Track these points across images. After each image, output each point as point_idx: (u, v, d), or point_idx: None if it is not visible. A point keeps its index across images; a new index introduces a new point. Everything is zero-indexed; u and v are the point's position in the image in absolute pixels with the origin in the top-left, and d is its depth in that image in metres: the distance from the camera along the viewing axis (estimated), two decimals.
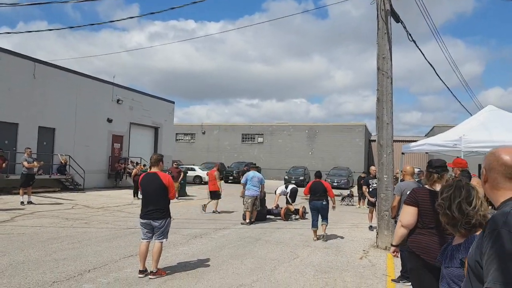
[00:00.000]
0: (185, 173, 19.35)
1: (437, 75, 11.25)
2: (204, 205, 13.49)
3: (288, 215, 12.12)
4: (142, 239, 5.83)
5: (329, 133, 37.83)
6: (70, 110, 20.44)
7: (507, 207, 1.58)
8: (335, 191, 14.32)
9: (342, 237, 9.52)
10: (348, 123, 39.24)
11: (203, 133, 42.02)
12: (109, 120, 22.97)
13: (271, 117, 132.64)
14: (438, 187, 3.77)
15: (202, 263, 6.54)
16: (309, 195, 9.26)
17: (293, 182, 23.48)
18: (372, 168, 11.75)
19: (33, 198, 13.84)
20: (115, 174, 22.63)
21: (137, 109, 25.19)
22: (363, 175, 15.66)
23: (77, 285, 5.11)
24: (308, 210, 13.25)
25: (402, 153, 10.93)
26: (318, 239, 9.02)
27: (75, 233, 8.65)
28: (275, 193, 13.43)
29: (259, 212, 11.51)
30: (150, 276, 5.59)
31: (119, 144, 23.88)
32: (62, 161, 19.20)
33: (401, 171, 6.74)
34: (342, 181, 28.60)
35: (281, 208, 12.33)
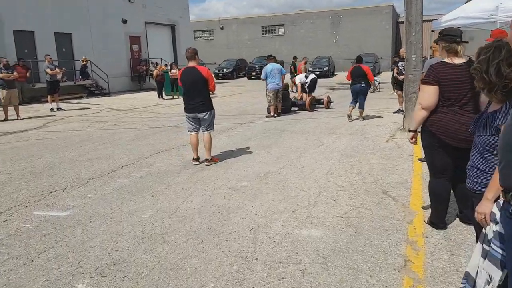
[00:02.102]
0: None
1: None
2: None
3: (313, 105, 11.97)
4: (190, 131, 6.07)
5: (354, 17, 35.33)
6: (82, 13, 19.76)
7: None
8: None
9: (367, 123, 9.41)
10: (374, 5, 36.28)
11: (221, 28, 40.29)
12: (124, 21, 22.18)
13: (293, 6, 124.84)
14: (456, 60, 3.35)
15: (229, 154, 6.68)
16: (350, 80, 9.88)
17: (317, 73, 22.80)
18: (401, 50, 11.15)
19: (62, 105, 14.19)
20: (138, 77, 22.64)
21: (151, 7, 24.01)
22: (396, 59, 14.90)
23: (111, 181, 5.37)
24: (333, 99, 13.13)
25: (432, 31, 10.02)
26: (350, 118, 9.77)
27: (105, 135, 8.92)
28: (294, 82, 13.22)
29: (283, 105, 11.38)
30: (206, 163, 5.99)
31: (137, 46, 23.40)
32: (82, 61, 19.10)
33: (431, 48, 6.20)
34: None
35: (305, 99, 12.15)
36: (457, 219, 3.81)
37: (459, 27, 9.00)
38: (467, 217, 3.66)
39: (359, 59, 10.05)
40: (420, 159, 5.94)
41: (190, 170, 5.75)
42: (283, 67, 11.56)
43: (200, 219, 3.94)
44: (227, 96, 18.34)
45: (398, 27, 38.05)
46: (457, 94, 3.28)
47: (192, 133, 6.09)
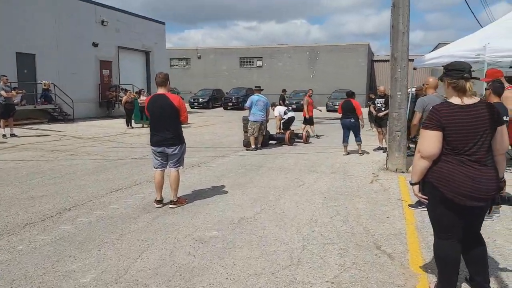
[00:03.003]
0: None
1: None
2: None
3: (292, 139, 11.42)
4: (155, 168, 5.27)
5: (331, 54, 35.96)
6: (50, 34, 18.84)
7: None
8: (337, 114, 13.59)
9: (348, 161, 8.86)
10: (350, 43, 37.20)
11: (199, 57, 40.04)
12: (95, 44, 21.38)
13: (270, 40, 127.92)
14: (465, 99, 2.74)
15: (199, 194, 5.87)
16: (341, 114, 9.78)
17: (294, 107, 22.30)
18: (381, 88, 10.94)
19: (17, 131, 13.02)
20: (107, 103, 21.63)
21: (125, 32, 23.37)
22: (372, 96, 14.80)
23: (53, 227, 4.44)
24: (311, 134, 12.65)
25: (414, 68, 9.82)
26: (348, 154, 9.54)
27: (59, 167, 7.93)
28: (272, 109, 12.61)
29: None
30: (170, 206, 5.18)
31: (108, 71, 22.52)
32: (44, 85, 17.96)
33: (423, 85, 5.80)
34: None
35: (284, 133, 11.60)
36: (468, 286, 3.14)
37: (443, 66, 8.83)
38: (481, 285, 3.01)
39: (349, 94, 9.97)
40: (410, 205, 5.33)
41: (150, 215, 4.89)
42: None
43: (156, 286, 3.10)
44: (202, 126, 17.62)
45: (372, 65, 39.05)
46: (466, 141, 2.67)
47: (158, 169, 5.29)
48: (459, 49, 8.14)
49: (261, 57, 38.17)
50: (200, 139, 12.62)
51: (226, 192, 6.03)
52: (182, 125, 5.29)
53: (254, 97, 10.40)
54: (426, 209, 5.10)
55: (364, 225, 4.55)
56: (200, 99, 31.30)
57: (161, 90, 5.16)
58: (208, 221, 4.65)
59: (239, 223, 4.59)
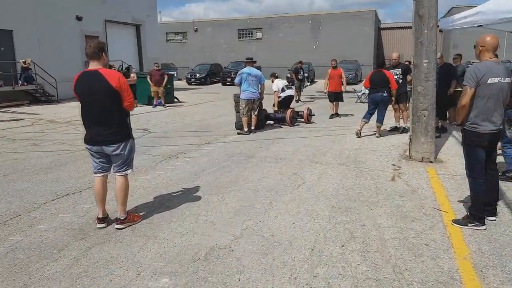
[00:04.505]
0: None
1: None
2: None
3: (294, 119, 9.86)
4: (95, 173, 3.78)
5: (335, 22, 33.60)
6: (27, 7, 17.07)
7: None
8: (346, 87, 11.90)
9: (360, 146, 7.32)
10: (355, 9, 34.79)
11: (195, 30, 37.90)
12: (79, 18, 19.57)
13: (272, 12, 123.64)
14: None
15: (162, 204, 4.40)
16: (368, 88, 8.44)
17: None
18: (394, 54, 9.14)
19: None
20: None
21: (112, 3, 21.42)
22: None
23: None
24: (314, 112, 11.04)
25: (440, 31, 8.07)
26: (359, 135, 8.11)
27: (9, 162, 6.50)
28: (272, 80, 10.94)
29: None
30: (116, 226, 3.74)
31: None
32: (23, 64, 16.34)
33: (475, 47, 4.02)
34: (350, 75, 25.60)
35: (282, 111, 10.02)
36: None
37: (480, 25, 7.08)
38: None
39: (381, 64, 8.69)
40: (455, 221, 3.79)
41: (84, 242, 3.44)
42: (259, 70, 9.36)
43: None
44: (195, 105, 16.03)
45: (380, 33, 36.74)
46: None
47: (97, 175, 3.80)
48: (504, 2, 6.30)
49: (261, 28, 35.90)
50: (188, 121, 11.10)
51: (199, 198, 4.55)
52: (128, 114, 3.76)
53: (244, 71, 8.71)
54: (479, 227, 3.60)
55: (393, 262, 3.06)
56: (198, 75, 29.48)
57: (93, 65, 3.58)
58: (162, 255, 3.19)
59: (206, 259, 3.12)
